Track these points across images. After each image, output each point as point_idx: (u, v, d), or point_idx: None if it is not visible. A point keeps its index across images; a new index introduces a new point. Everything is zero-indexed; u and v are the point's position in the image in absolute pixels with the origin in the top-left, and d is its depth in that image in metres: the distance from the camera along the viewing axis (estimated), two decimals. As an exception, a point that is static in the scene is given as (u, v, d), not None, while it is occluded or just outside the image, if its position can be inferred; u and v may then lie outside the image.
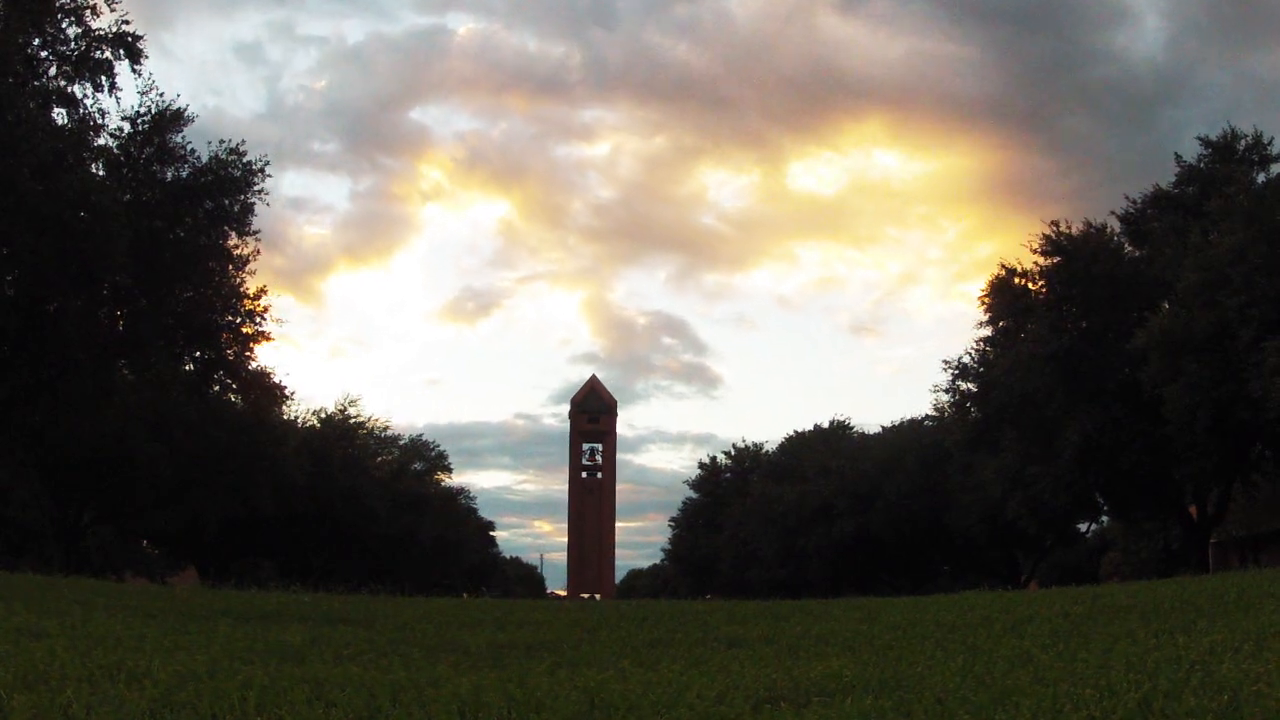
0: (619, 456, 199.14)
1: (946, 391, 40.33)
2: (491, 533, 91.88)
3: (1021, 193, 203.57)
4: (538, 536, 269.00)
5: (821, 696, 5.31)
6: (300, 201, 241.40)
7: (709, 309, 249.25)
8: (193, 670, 6.31)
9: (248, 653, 7.55)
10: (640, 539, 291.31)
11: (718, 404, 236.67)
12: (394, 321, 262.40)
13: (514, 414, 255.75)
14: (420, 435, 65.41)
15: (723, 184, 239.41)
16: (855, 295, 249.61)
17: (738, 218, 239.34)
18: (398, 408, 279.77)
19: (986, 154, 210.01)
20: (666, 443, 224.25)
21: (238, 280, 29.13)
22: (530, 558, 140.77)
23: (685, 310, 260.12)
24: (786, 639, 8.99)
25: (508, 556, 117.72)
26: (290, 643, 8.37)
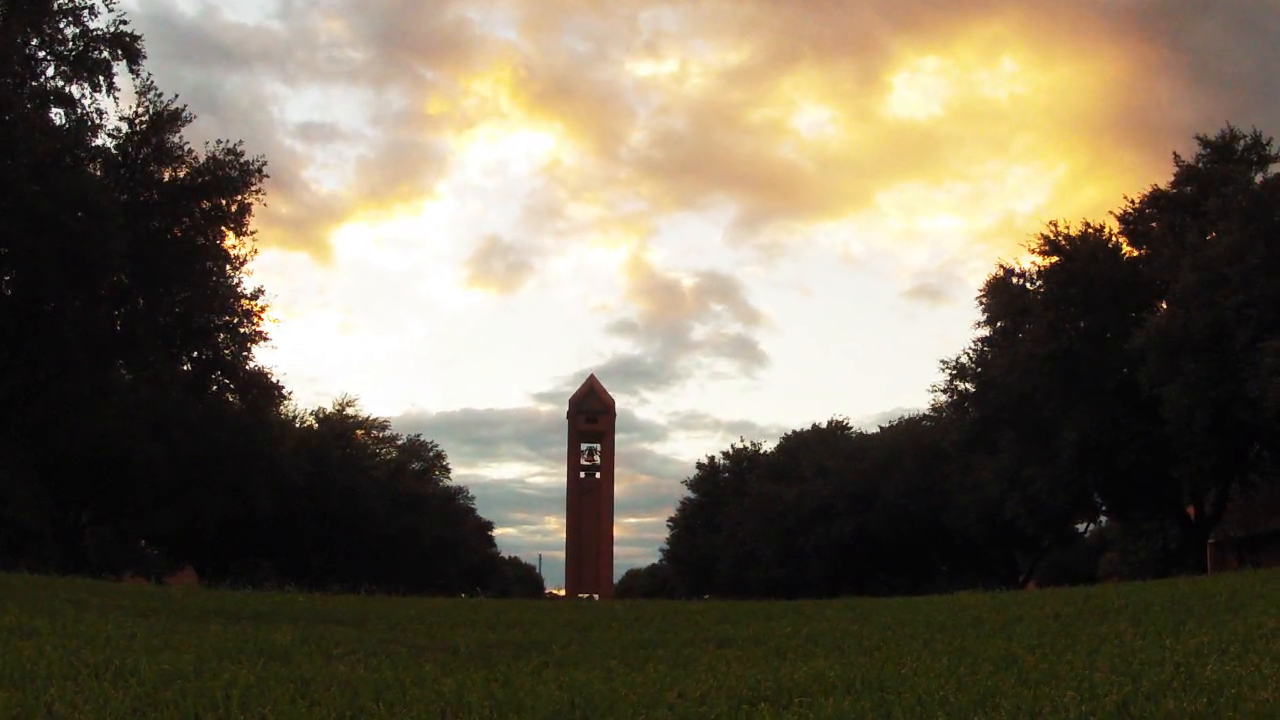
0: (640, 447, 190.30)
1: (944, 392, 40.36)
2: (490, 532, 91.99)
3: (1144, 120, 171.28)
4: (548, 534, 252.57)
5: (803, 697, 5.32)
6: (313, 129, 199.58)
7: (767, 269, 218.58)
8: (179, 669, 6.31)
9: (236, 652, 7.55)
10: (653, 535, 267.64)
11: (760, 386, 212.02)
12: (412, 287, 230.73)
13: (538, 393, 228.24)
14: (419, 435, 65.43)
15: (810, 106, 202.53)
16: (929, 253, 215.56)
17: (820, 150, 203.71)
18: (412, 390, 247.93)
19: (1115, 67, 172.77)
20: (701, 430, 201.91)
21: (235, 280, 29.22)
22: (529, 557, 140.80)
23: (740, 268, 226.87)
24: (776, 639, 9.00)
25: (506, 556, 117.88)
26: (280, 642, 8.38)
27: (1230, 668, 5.70)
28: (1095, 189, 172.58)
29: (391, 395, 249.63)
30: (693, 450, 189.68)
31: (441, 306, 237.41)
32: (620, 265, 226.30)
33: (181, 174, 27.23)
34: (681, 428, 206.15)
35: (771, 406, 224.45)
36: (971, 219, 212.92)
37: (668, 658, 7.87)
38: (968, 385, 38.30)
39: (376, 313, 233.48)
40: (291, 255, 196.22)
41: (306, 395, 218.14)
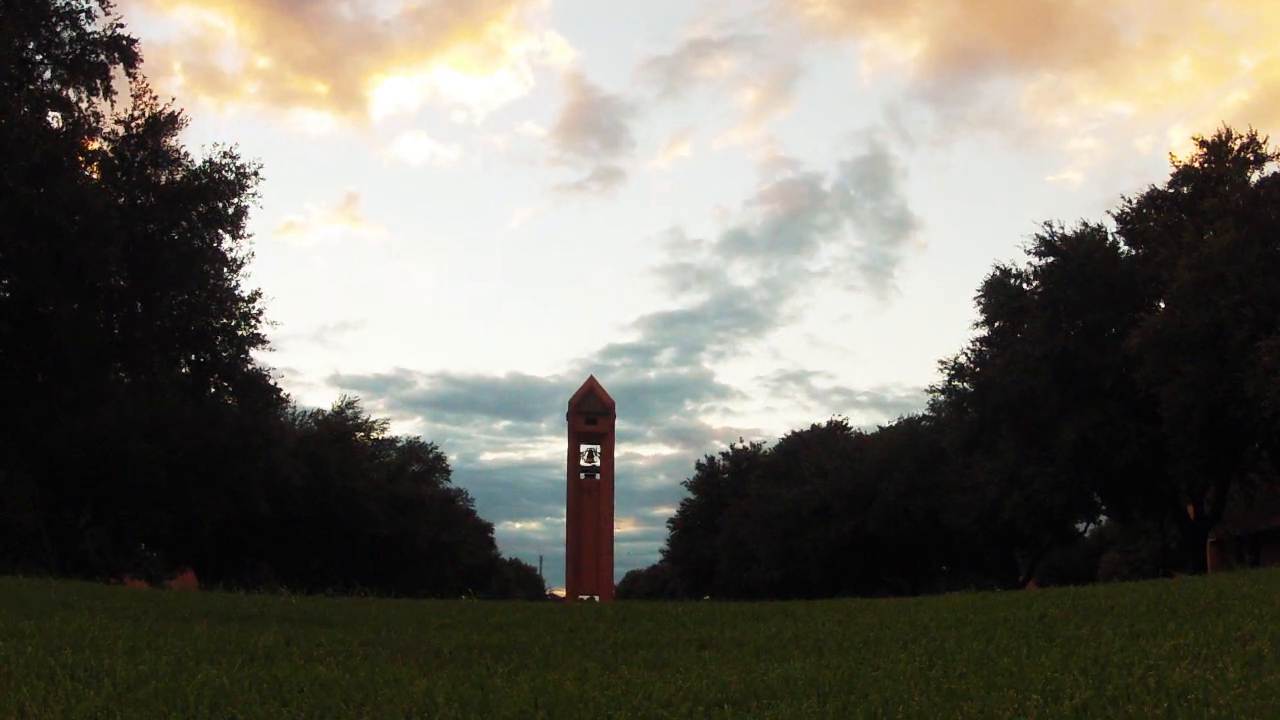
0: (704, 422, 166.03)
1: (943, 392, 40.35)
2: (491, 534, 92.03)
3: None
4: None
5: (769, 700, 5.34)
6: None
7: (938, 147, 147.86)
8: (155, 670, 6.34)
9: (217, 653, 7.57)
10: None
11: (878, 341, 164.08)
12: (469, 188, 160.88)
13: (606, 347, 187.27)
14: (419, 437, 65.61)
15: None
16: (1125, 148, 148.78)
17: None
18: (451, 342, 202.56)
19: None
20: (791, 399, 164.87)
21: (232, 283, 29.30)
22: (532, 557, 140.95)
23: (901, 145, 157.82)
24: (757, 641, 9.01)
25: (507, 558, 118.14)
26: (263, 644, 8.40)
27: (1199, 671, 5.70)
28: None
29: (427, 349, 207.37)
30: (772, 427, 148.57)
31: (506, 222, 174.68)
32: (752, 143, 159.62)
33: (178, 177, 27.31)
34: (772, 394, 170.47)
35: (884, 366, 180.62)
36: (1218, 88, 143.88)
37: (647, 659, 7.88)
38: (966, 385, 38.31)
39: (419, 230, 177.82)
40: (317, 116, 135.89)
41: (324, 353, 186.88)
